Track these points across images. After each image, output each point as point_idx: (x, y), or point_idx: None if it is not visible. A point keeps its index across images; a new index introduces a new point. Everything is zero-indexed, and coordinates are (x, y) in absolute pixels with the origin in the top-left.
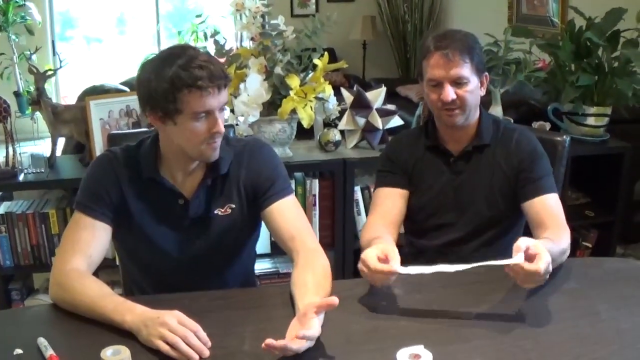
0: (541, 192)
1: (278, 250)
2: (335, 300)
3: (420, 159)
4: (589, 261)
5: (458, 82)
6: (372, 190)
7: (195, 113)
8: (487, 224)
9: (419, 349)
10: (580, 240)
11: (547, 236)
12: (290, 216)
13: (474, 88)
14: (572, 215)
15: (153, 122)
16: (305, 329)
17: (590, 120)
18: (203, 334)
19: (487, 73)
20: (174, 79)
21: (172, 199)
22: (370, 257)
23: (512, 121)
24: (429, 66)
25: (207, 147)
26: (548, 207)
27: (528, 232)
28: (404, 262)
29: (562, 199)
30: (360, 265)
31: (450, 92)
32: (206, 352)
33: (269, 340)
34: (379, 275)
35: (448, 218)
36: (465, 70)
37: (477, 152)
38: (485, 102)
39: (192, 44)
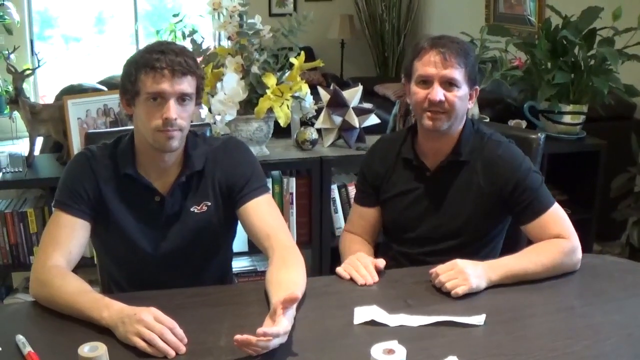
0: (536, 215)
1: (256, 248)
2: (296, 294)
3: (392, 169)
4: None
5: (449, 84)
6: (349, 188)
7: (149, 94)
8: (464, 240)
9: (393, 344)
10: None
11: (526, 251)
12: (266, 214)
13: (463, 95)
14: None
15: (125, 108)
16: (272, 326)
17: (567, 118)
18: (179, 331)
19: (477, 87)
20: (137, 60)
21: (148, 196)
22: (367, 257)
23: (488, 119)
24: (420, 62)
25: (161, 134)
26: (545, 227)
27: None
28: (387, 264)
29: None
30: (353, 259)
31: (439, 92)
32: (182, 349)
33: (237, 336)
34: (365, 273)
35: (422, 232)
36: (459, 74)
37: (453, 167)
38: None
39: None
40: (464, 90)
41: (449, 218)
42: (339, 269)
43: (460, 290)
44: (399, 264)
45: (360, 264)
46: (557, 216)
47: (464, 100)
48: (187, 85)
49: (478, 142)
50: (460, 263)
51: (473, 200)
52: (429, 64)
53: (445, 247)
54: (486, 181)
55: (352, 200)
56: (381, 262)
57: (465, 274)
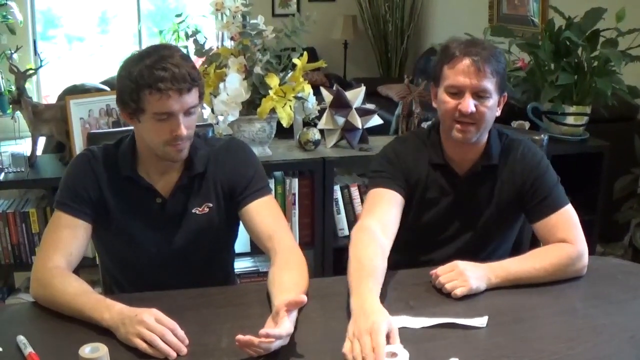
0: (550, 211)
1: (258, 249)
2: (303, 298)
3: (425, 177)
4: None
5: (480, 95)
6: (351, 189)
7: (156, 114)
8: (482, 241)
9: (397, 347)
10: None
11: (530, 254)
12: (268, 215)
13: (493, 105)
14: None
15: (124, 118)
16: (275, 328)
17: (570, 120)
18: (181, 332)
19: (505, 93)
20: (137, 78)
21: (150, 197)
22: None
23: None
24: (452, 71)
25: (171, 148)
26: (556, 226)
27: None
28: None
29: None
30: (365, 337)
31: (470, 104)
32: (184, 350)
33: (239, 336)
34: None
35: (449, 234)
36: (491, 84)
37: (484, 172)
38: None
39: (174, 43)
40: (494, 99)
41: (476, 222)
42: (345, 350)
43: (459, 291)
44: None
45: (368, 345)
46: (568, 218)
47: (493, 109)
48: (192, 98)
49: (503, 144)
50: (460, 265)
51: (503, 202)
52: (461, 74)
53: (471, 248)
54: (509, 182)
55: (355, 201)
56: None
57: (465, 275)
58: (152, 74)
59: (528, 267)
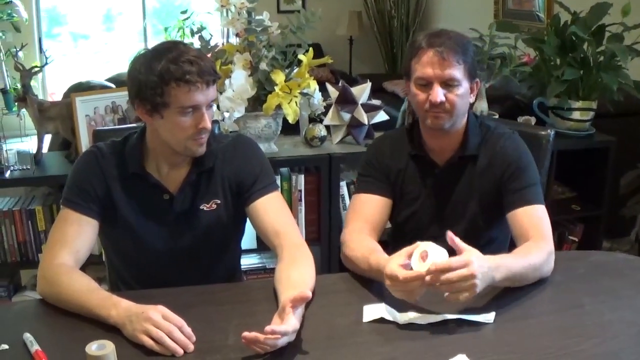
0: (524, 203)
1: (265, 245)
2: (307, 293)
3: (404, 169)
4: (574, 254)
5: (449, 84)
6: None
7: (182, 107)
8: (473, 235)
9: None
10: (566, 234)
11: (516, 251)
12: (275, 212)
13: (464, 92)
14: (558, 209)
15: (141, 115)
16: (281, 325)
17: (576, 115)
18: (187, 329)
19: (478, 79)
20: (163, 72)
21: (157, 194)
22: (396, 269)
23: (497, 116)
24: (419, 64)
25: (193, 142)
26: (529, 218)
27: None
28: None
29: (548, 193)
30: (388, 283)
31: (439, 93)
32: (191, 347)
33: (245, 333)
34: (413, 283)
35: (432, 231)
36: (458, 72)
37: (462, 162)
38: None
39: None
40: (464, 87)
41: (456, 213)
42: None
43: (464, 297)
44: None
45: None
46: (541, 215)
47: (465, 97)
48: (214, 91)
49: (483, 135)
50: (475, 263)
51: (482, 193)
52: (427, 65)
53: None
54: (488, 173)
55: None
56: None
57: (474, 278)
58: (179, 68)
59: (521, 264)
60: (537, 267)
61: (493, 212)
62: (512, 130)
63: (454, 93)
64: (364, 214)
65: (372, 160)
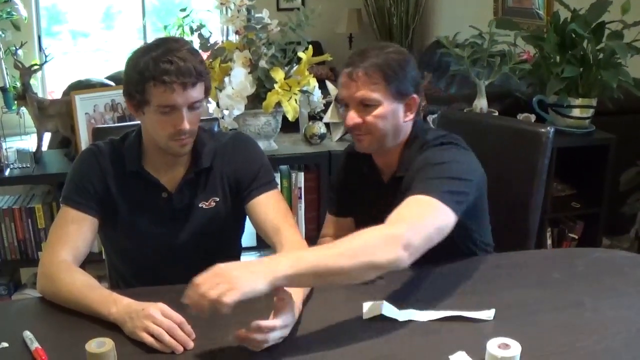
0: (408, 194)
1: (264, 243)
2: (286, 293)
3: (361, 182)
4: (574, 252)
5: (366, 105)
6: None
7: (160, 106)
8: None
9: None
10: (566, 232)
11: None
12: (274, 209)
13: (386, 112)
14: (558, 206)
15: (130, 110)
16: (270, 320)
17: (576, 112)
18: (187, 326)
19: (415, 95)
20: (143, 70)
21: (156, 192)
22: None
23: (497, 113)
24: (340, 84)
25: (174, 142)
26: (406, 204)
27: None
28: None
29: (548, 191)
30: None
31: (351, 116)
32: (190, 344)
33: (238, 332)
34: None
35: None
36: (374, 92)
37: (399, 181)
38: (471, 95)
39: None
40: (387, 107)
41: None
42: None
43: (229, 298)
44: None
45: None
46: (420, 203)
47: (388, 117)
48: (197, 93)
49: (417, 153)
50: (222, 266)
51: None
52: (342, 86)
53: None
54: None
55: None
56: None
57: (230, 276)
58: (157, 67)
59: (337, 254)
60: (365, 252)
61: None
62: (455, 145)
63: (369, 114)
64: (328, 225)
65: (337, 185)
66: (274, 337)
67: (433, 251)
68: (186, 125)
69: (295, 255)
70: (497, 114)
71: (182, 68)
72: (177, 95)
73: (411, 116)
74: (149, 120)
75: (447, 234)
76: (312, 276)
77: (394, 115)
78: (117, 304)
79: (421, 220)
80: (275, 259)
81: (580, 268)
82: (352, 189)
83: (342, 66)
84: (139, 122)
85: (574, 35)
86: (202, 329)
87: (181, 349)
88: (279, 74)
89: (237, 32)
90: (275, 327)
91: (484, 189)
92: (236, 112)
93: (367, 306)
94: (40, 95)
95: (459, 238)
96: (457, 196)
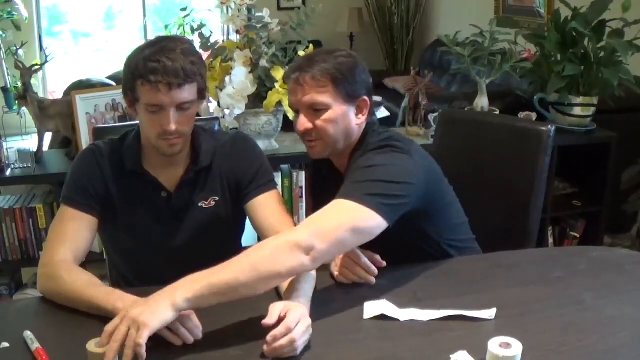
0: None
1: None
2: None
3: (329, 185)
4: (575, 250)
5: (315, 109)
6: None
7: (147, 105)
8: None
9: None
10: (568, 230)
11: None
12: (273, 210)
13: (336, 116)
14: (559, 205)
15: (128, 107)
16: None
17: (577, 110)
18: (195, 318)
19: (366, 97)
20: (133, 67)
21: (155, 191)
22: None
23: (498, 112)
24: (288, 91)
25: (163, 142)
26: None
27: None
28: None
29: (549, 189)
30: (347, 260)
31: (302, 121)
32: (199, 335)
33: (264, 351)
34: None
35: None
36: (321, 95)
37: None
38: (472, 94)
39: None
40: (336, 110)
41: None
42: (338, 277)
43: (140, 339)
44: None
45: (355, 264)
46: (335, 207)
47: (339, 120)
48: (186, 94)
49: (359, 157)
50: (126, 308)
51: None
52: (290, 93)
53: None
54: None
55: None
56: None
57: (133, 317)
58: (145, 65)
59: (233, 269)
60: (262, 264)
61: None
62: (392, 149)
63: (319, 118)
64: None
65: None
66: (301, 341)
67: (394, 254)
68: (172, 127)
69: (192, 278)
70: (498, 112)
71: (169, 68)
72: (163, 95)
73: (363, 118)
74: (140, 118)
75: (374, 236)
76: (213, 295)
77: (344, 118)
78: (123, 299)
79: (330, 223)
80: (175, 285)
81: (581, 266)
82: (323, 192)
83: (289, 71)
84: (138, 121)
85: (574, 34)
86: (204, 326)
87: (192, 339)
88: (279, 73)
89: (237, 32)
90: (289, 327)
91: (436, 189)
92: (237, 112)
93: (368, 306)
94: (41, 95)
95: (419, 239)
96: (383, 198)
